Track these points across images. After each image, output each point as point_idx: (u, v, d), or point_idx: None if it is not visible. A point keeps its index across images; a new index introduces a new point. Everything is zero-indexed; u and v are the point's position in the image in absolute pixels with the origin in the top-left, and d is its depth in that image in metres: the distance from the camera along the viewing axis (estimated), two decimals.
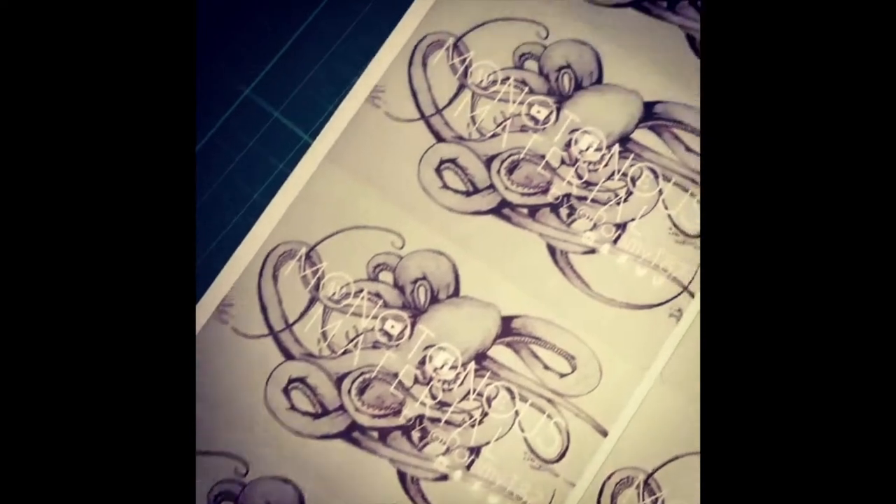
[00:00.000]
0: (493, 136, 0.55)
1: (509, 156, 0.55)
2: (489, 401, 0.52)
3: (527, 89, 0.56)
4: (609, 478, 0.52)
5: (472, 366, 0.53)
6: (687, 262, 0.53)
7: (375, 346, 0.53)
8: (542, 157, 0.55)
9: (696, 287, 0.53)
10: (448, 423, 0.52)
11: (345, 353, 0.53)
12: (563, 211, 0.54)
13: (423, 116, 0.55)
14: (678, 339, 0.52)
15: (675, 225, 0.54)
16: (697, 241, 0.53)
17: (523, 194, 0.54)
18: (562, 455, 0.52)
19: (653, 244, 0.54)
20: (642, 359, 0.53)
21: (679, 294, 0.53)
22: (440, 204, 0.55)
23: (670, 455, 0.52)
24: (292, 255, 0.54)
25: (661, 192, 0.54)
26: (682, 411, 0.52)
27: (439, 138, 0.55)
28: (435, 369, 0.53)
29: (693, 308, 0.53)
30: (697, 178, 0.54)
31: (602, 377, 0.53)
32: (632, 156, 0.54)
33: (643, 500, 0.52)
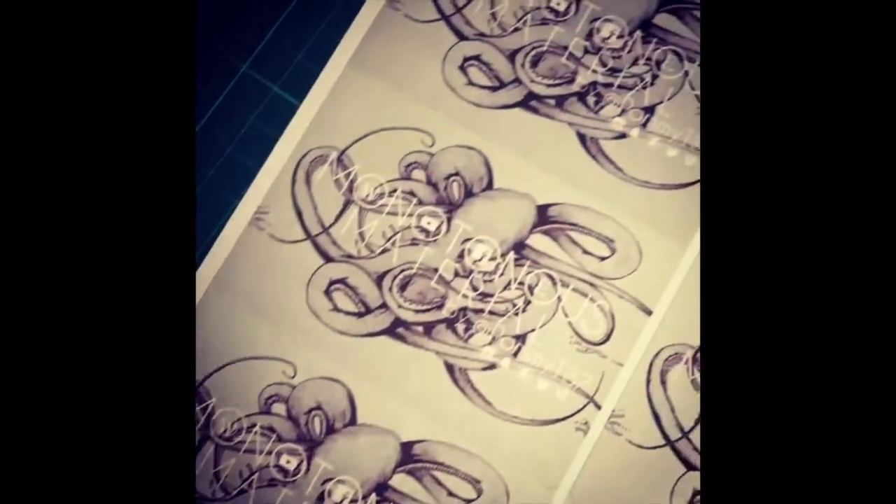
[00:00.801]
0: (383, 251, 0.53)
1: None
2: (531, 289, 0.52)
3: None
4: (657, 355, 0.52)
5: (511, 256, 0.53)
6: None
7: (413, 242, 0.53)
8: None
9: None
10: (492, 313, 0.52)
11: (383, 251, 0.53)
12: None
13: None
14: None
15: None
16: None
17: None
18: (608, 336, 0.52)
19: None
20: (684, 234, 0.53)
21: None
22: (467, 100, 0.55)
23: None
24: (324, 159, 0.54)
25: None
26: None
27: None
28: (474, 261, 0.53)
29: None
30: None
31: (642, 257, 0.53)
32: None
33: (692, 374, 0.52)
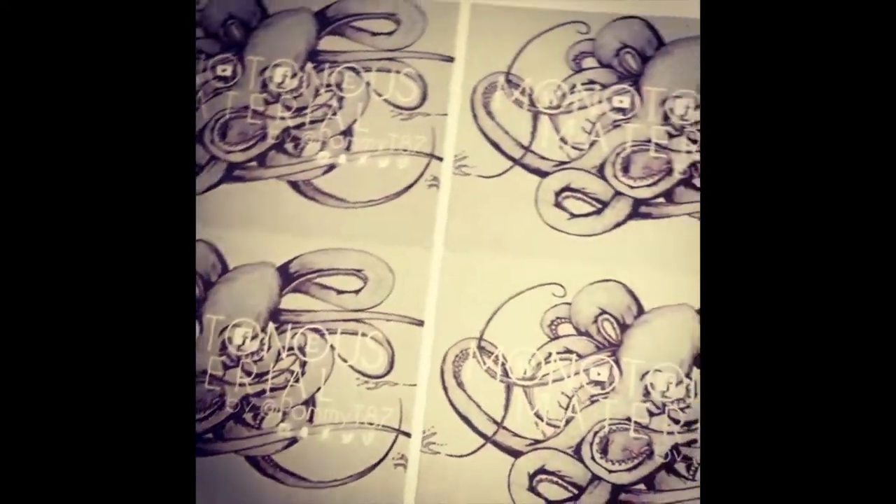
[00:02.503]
0: (592, 144, 0.52)
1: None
2: (301, 349, 0.51)
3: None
4: (444, 360, 0.50)
5: (271, 327, 0.52)
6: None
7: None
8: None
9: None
10: (273, 389, 0.51)
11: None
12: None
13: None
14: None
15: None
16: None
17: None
18: (391, 364, 0.50)
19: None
20: (423, 236, 0.52)
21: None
22: None
23: (491, 311, 0.51)
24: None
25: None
26: (480, 268, 0.51)
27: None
28: (238, 348, 0.51)
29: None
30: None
31: (394, 275, 0.51)
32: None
33: (484, 363, 0.50)
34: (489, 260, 0.51)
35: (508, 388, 0.50)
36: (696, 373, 0.49)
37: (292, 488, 0.49)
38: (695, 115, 0.52)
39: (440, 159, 0.53)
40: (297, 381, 0.50)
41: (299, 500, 0.49)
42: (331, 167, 0.53)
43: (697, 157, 0.52)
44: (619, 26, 0.54)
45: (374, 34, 0.54)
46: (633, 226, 0.51)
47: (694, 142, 0.52)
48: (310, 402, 0.50)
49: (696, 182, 0.51)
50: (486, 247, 0.51)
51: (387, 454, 0.49)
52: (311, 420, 0.50)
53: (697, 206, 0.51)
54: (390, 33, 0.54)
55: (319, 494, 0.49)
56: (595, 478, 0.48)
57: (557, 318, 0.50)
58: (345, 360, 0.51)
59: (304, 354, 0.51)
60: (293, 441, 0.50)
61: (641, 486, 0.48)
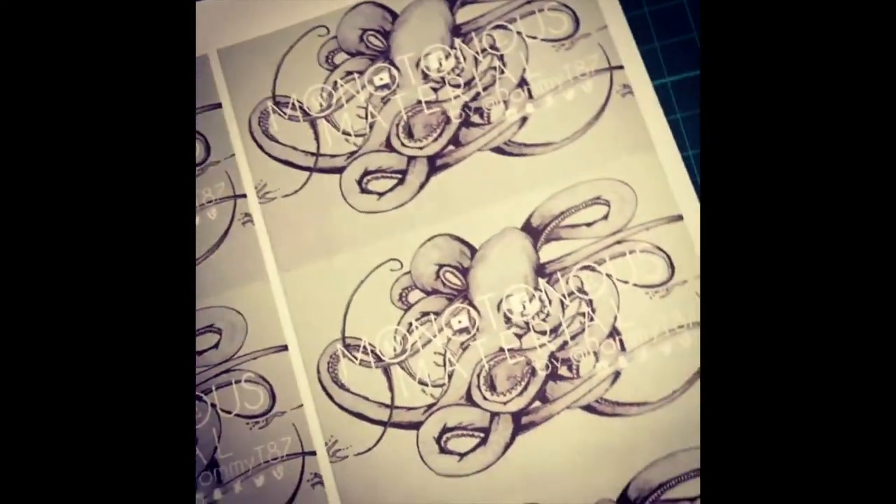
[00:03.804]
0: (372, 126, 0.55)
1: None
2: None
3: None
4: (318, 371, 0.51)
5: (542, 282, 0.52)
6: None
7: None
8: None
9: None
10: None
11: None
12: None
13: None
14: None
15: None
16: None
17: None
18: (272, 399, 0.51)
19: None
20: (256, 270, 0.53)
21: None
22: None
23: (343, 309, 0.52)
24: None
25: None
26: (318, 276, 0.53)
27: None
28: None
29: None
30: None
31: (244, 316, 0.53)
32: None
33: (356, 358, 0.52)
34: (324, 265, 0.53)
35: (386, 371, 0.51)
36: (542, 282, 0.52)
37: None
38: (448, 64, 0.55)
39: (244, 196, 0.54)
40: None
41: None
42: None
43: (465, 98, 0.55)
44: (352, 16, 0.56)
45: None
46: (436, 180, 0.54)
47: (456, 86, 0.55)
48: (210, 465, 0.51)
49: (475, 119, 0.54)
50: (317, 255, 0.53)
51: (301, 478, 0.50)
52: (219, 482, 0.50)
53: (485, 140, 0.54)
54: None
55: None
56: (494, 415, 0.50)
57: (403, 289, 0.52)
58: (229, 413, 0.51)
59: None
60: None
61: (537, 403, 0.50)
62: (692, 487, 0.48)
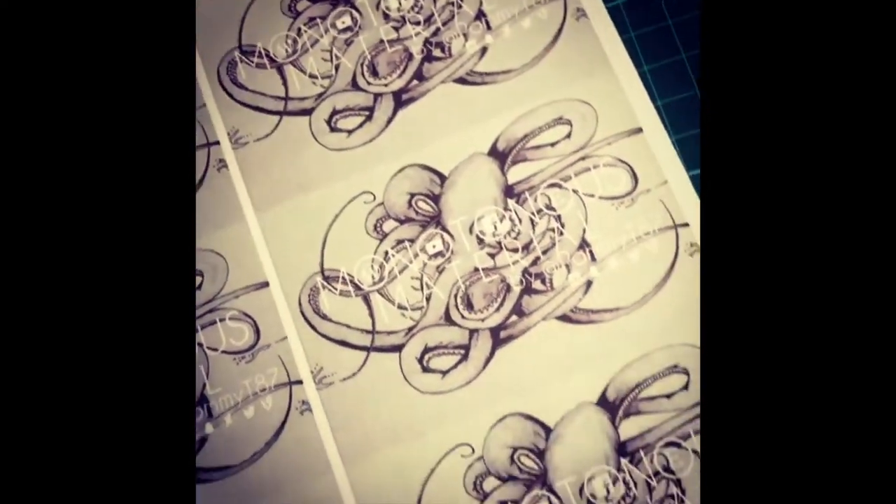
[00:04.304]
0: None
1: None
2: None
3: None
4: (300, 304, 0.53)
5: (511, 203, 0.53)
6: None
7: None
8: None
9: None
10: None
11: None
12: None
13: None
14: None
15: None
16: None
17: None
18: (257, 334, 0.52)
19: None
20: (234, 213, 0.55)
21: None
22: None
23: (321, 242, 0.53)
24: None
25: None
26: (294, 213, 0.54)
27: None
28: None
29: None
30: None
31: (225, 257, 0.54)
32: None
33: (336, 289, 0.53)
34: (299, 203, 0.54)
35: (366, 299, 0.53)
36: (511, 202, 0.53)
37: (219, 482, 0.51)
38: (408, 3, 0.57)
39: (217, 143, 0.56)
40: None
41: (234, 487, 0.50)
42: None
43: (426, 34, 0.56)
44: None
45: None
46: (403, 114, 0.55)
47: (417, 24, 0.57)
48: (202, 400, 0.52)
49: (435, 53, 0.56)
50: (292, 193, 0.54)
51: (289, 407, 0.51)
52: (210, 416, 0.52)
53: (448, 72, 0.56)
54: None
55: (247, 474, 0.50)
56: (472, 332, 0.51)
57: (378, 220, 0.53)
58: (215, 350, 0.53)
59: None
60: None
61: (514, 318, 0.51)
62: (667, 384, 0.50)
